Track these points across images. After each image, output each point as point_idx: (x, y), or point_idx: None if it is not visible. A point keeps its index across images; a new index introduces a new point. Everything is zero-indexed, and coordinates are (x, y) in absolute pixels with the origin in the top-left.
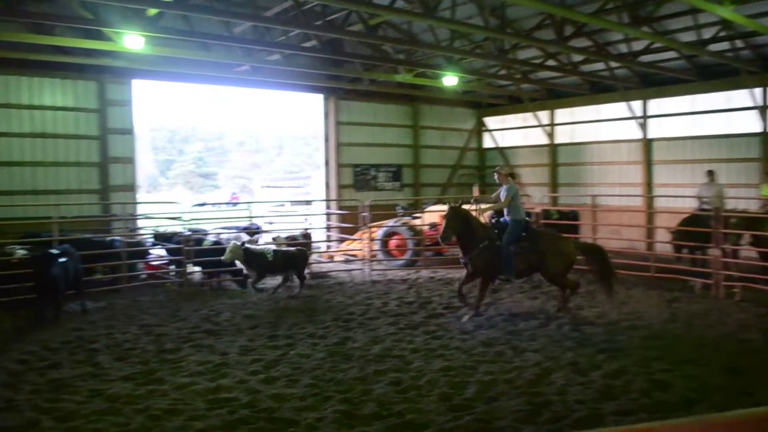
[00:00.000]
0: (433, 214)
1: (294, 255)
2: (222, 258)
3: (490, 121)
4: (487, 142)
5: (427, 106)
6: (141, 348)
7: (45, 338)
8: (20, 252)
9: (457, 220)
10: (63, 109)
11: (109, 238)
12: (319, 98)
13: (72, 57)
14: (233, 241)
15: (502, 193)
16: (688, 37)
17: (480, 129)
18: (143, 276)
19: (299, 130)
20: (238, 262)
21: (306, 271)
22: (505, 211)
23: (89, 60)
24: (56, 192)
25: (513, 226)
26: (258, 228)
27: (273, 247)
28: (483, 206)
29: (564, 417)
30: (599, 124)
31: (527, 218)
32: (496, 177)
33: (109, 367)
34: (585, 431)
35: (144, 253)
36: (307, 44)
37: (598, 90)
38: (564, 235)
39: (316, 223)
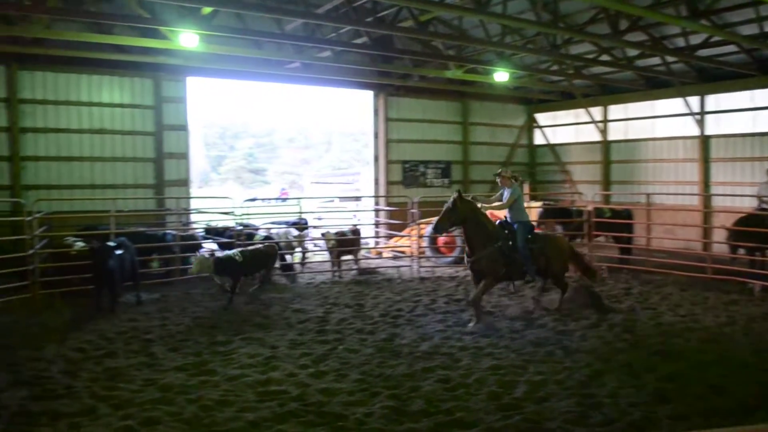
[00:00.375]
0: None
1: (264, 253)
2: (189, 271)
3: (541, 118)
4: (538, 138)
5: (477, 102)
6: (193, 340)
7: (102, 328)
8: (79, 244)
9: (458, 212)
10: (120, 105)
11: (162, 232)
12: (368, 95)
13: (129, 55)
14: (200, 253)
15: (506, 194)
16: (749, 30)
17: (530, 125)
18: None
19: (348, 126)
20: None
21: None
22: (507, 215)
23: (146, 58)
24: (113, 186)
25: (522, 227)
26: (306, 223)
27: (237, 249)
28: (485, 206)
29: (616, 420)
30: (654, 121)
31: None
32: (498, 180)
33: (162, 358)
34: None
35: (196, 247)
36: (358, 41)
37: (653, 85)
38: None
39: (364, 219)
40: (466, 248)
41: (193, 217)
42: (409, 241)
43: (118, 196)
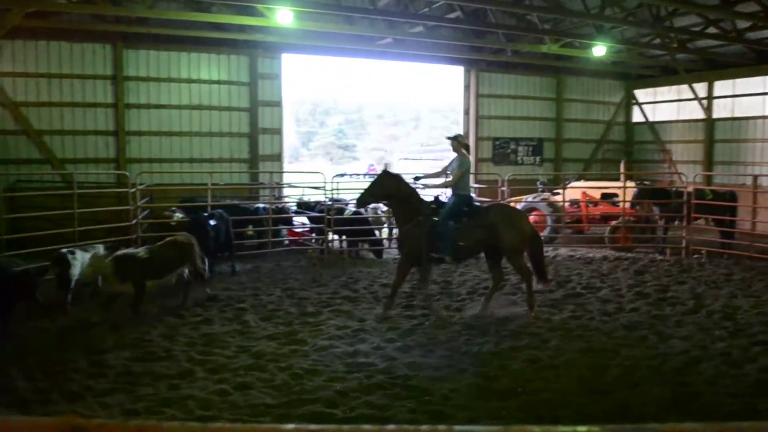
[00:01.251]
0: (575, 191)
1: (178, 246)
2: (77, 277)
3: (640, 94)
4: (636, 116)
5: (572, 78)
6: (284, 310)
7: (198, 296)
8: (178, 215)
9: (381, 186)
10: (217, 82)
11: (255, 206)
12: (459, 70)
13: (227, 33)
14: (95, 252)
15: (454, 164)
16: None
17: (628, 102)
18: (286, 242)
19: (437, 102)
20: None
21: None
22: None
23: (242, 35)
24: (210, 160)
25: (455, 200)
26: None
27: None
28: (428, 181)
29: (713, 409)
30: (765, 98)
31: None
32: (452, 145)
33: (255, 326)
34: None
35: (288, 221)
36: (451, 15)
37: (765, 60)
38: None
39: None
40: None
41: (285, 192)
42: None
43: (214, 170)
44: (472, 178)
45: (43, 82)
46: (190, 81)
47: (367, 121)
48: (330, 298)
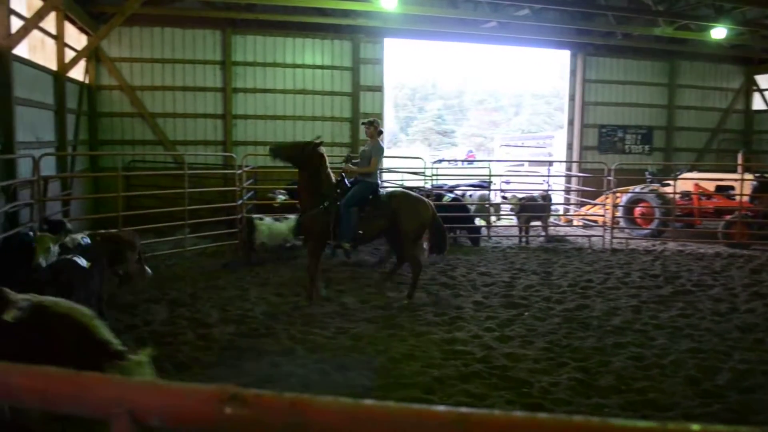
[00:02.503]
0: (687, 182)
1: (69, 267)
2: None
3: (763, 80)
4: (757, 103)
5: (687, 62)
6: (382, 294)
7: (299, 276)
8: (281, 197)
9: (303, 155)
10: (321, 67)
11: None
12: (565, 54)
13: (331, 18)
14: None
15: (373, 152)
16: None
17: (749, 88)
18: None
19: (540, 88)
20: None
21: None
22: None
23: (346, 20)
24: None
25: (361, 187)
26: (487, 185)
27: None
28: (351, 168)
29: None
30: None
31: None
32: (367, 131)
33: (354, 309)
34: None
35: None
36: None
37: None
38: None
39: (555, 185)
40: (298, 204)
41: (385, 176)
42: (602, 210)
43: None
44: (575, 166)
45: (157, 67)
46: (294, 66)
47: (466, 106)
48: (427, 284)
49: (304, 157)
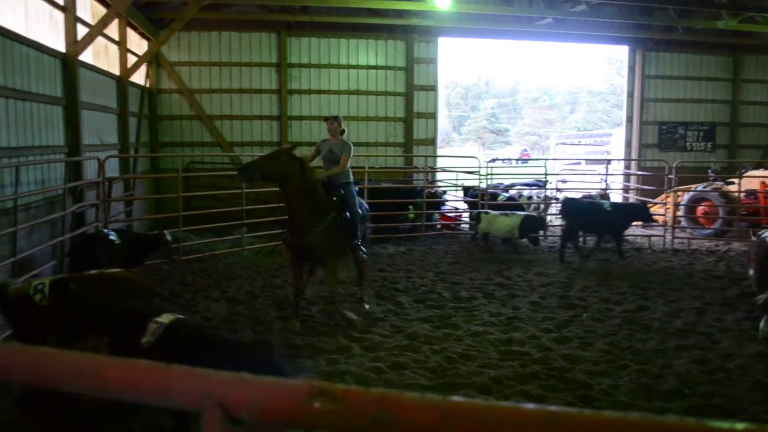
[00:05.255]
0: (753, 180)
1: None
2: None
3: None
4: None
5: (752, 57)
6: (437, 293)
7: (351, 275)
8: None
9: (279, 164)
10: (374, 67)
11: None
12: (624, 50)
13: (385, 18)
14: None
15: (344, 150)
16: None
17: None
18: (438, 226)
19: (596, 85)
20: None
21: None
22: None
23: (400, 21)
24: (366, 144)
25: (349, 189)
26: (542, 184)
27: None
28: (324, 171)
29: None
30: None
31: None
32: (328, 125)
33: (409, 308)
34: None
35: (440, 204)
36: None
37: None
38: None
39: (614, 184)
40: (289, 223)
41: (439, 176)
42: (663, 209)
43: (370, 154)
44: (634, 165)
45: (215, 70)
46: (348, 67)
47: (520, 104)
48: (483, 284)
49: (286, 168)
